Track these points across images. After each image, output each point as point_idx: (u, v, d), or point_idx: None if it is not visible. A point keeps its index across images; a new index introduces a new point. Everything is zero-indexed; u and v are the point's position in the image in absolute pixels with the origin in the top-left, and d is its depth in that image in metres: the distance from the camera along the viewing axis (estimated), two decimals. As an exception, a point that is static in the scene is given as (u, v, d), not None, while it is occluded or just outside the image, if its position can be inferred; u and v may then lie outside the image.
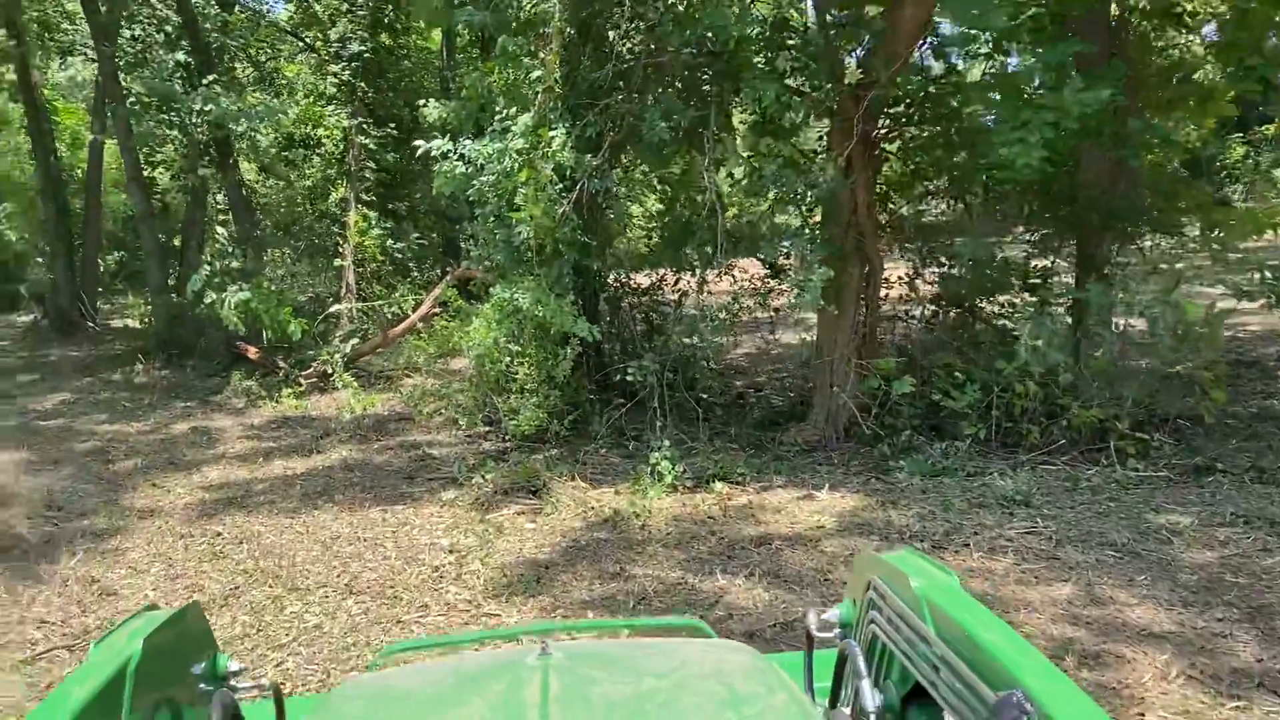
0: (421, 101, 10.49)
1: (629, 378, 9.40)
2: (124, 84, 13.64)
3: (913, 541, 6.84)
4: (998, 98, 8.55)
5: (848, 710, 2.13)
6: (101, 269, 20.80)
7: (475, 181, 9.53)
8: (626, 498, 7.99)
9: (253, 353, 12.96)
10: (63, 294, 18.18)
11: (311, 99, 16.57)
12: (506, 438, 9.57)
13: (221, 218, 14.63)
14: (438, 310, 13.10)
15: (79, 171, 20.00)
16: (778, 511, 7.64)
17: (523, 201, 8.89)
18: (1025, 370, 8.50)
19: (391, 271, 17.27)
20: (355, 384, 12.09)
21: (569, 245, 9.21)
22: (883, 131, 9.73)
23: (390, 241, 17.26)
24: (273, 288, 12.11)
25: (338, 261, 16.73)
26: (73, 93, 30.05)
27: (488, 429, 10.09)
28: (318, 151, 16.81)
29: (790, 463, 8.96)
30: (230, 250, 12.55)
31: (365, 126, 16.92)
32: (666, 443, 8.45)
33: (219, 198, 15.05)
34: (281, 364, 12.55)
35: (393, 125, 17.01)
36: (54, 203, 17.95)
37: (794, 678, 2.03)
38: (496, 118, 9.44)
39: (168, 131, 14.08)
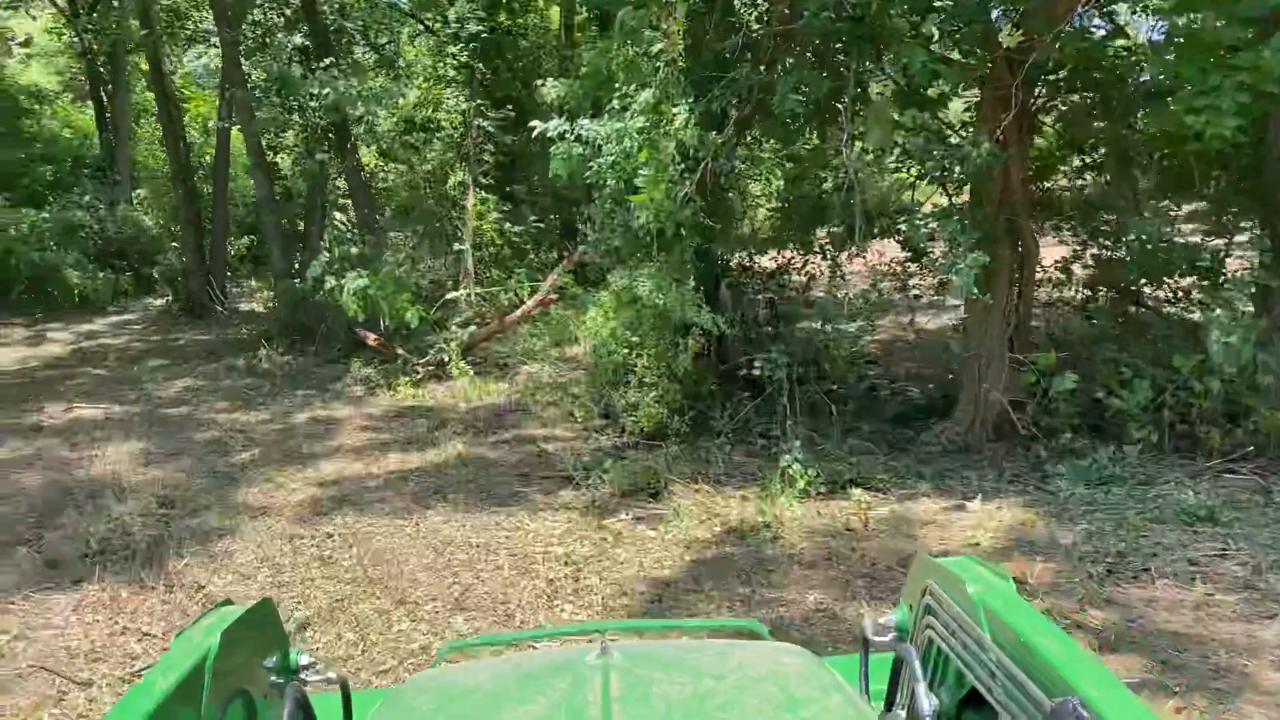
0: (539, 81, 9.98)
1: (756, 372, 8.74)
2: (245, 70, 13.57)
3: (1083, 564, 6.03)
4: (1175, 59, 7.53)
5: (903, 714, 2.13)
6: (231, 253, 21.14)
7: (593, 163, 8.98)
8: (754, 504, 7.36)
9: (372, 339, 12.76)
10: (193, 278, 18.48)
11: (430, 82, 16.29)
12: (624, 434, 9.03)
13: (342, 203, 14.51)
14: (554, 297, 12.65)
15: (208, 158, 20.32)
16: (925, 524, 6.89)
17: (642, 183, 8.29)
18: (1206, 367, 7.50)
19: (509, 256, 16.94)
20: (471, 372, 11.74)
21: (691, 229, 8.58)
22: (1040, 100, 8.78)
23: (508, 225, 16.93)
24: (393, 274, 11.84)
25: (456, 246, 16.49)
26: (205, 80, 30.82)
27: (604, 422, 9.56)
28: (437, 135, 16.54)
29: (934, 465, 8.17)
30: (349, 236, 12.33)
31: (483, 109, 16.58)
32: (798, 443, 7.77)
33: (339, 183, 14.93)
34: (399, 351, 12.30)
35: (511, 107, 16.62)
36: (184, 188, 18.23)
37: (849, 681, 2.07)
38: (615, 96, 8.85)
39: (288, 117, 13.99)
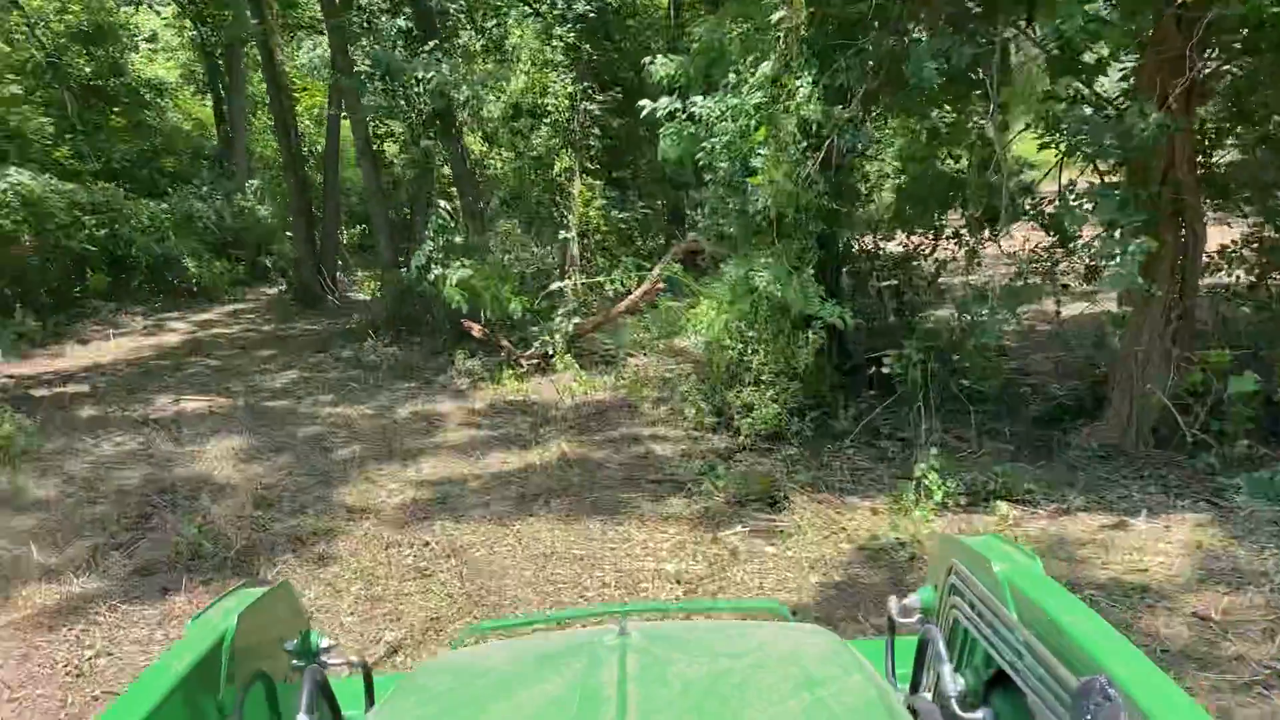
0: (648, 58, 9.37)
1: (885, 369, 7.98)
2: (352, 56, 13.30)
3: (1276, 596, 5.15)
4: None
5: (929, 695, 2.05)
6: (343, 242, 21.18)
7: (705, 143, 8.35)
8: (886, 517, 6.63)
9: (476, 330, 12.39)
10: (305, 268, 18.51)
11: (537, 65, 15.85)
12: (738, 436, 8.38)
13: (447, 191, 14.19)
14: (662, 286, 12.04)
15: (320, 147, 20.34)
16: (1083, 545, 6.07)
17: (761, 164, 7.61)
18: None
19: (615, 244, 16.42)
20: (576, 365, 11.24)
21: (814, 213, 7.86)
22: (1210, 65, 7.74)
23: (614, 212, 16.40)
24: (497, 263, 11.42)
25: (561, 234, 16.03)
26: (317, 72, 31.18)
27: (715, 422, 8.92)
28: (544, 120, 16.10)
29: (1086, 475, 7.29)
30: (453, 224, 11.95)
31: (590, 91, 16.06)
32: (934, 450, 6.99)
33: (445, 171, 14.58)
34: (504, 342, 11.89)
35: (618, 89, 16.07)
36: (295, 178, 18.25)
37: (876, 663, 2.10)
38: (731, 70, 8.17)
39: (393, 103, 13.69)
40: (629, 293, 12.59)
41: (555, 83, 16.16)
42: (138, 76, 23.21)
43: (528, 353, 11.81)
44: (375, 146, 14.72)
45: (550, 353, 11.59)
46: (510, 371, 11.43)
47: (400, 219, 15.04)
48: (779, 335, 8.12)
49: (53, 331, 16.19)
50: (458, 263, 11.32)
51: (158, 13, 29.21)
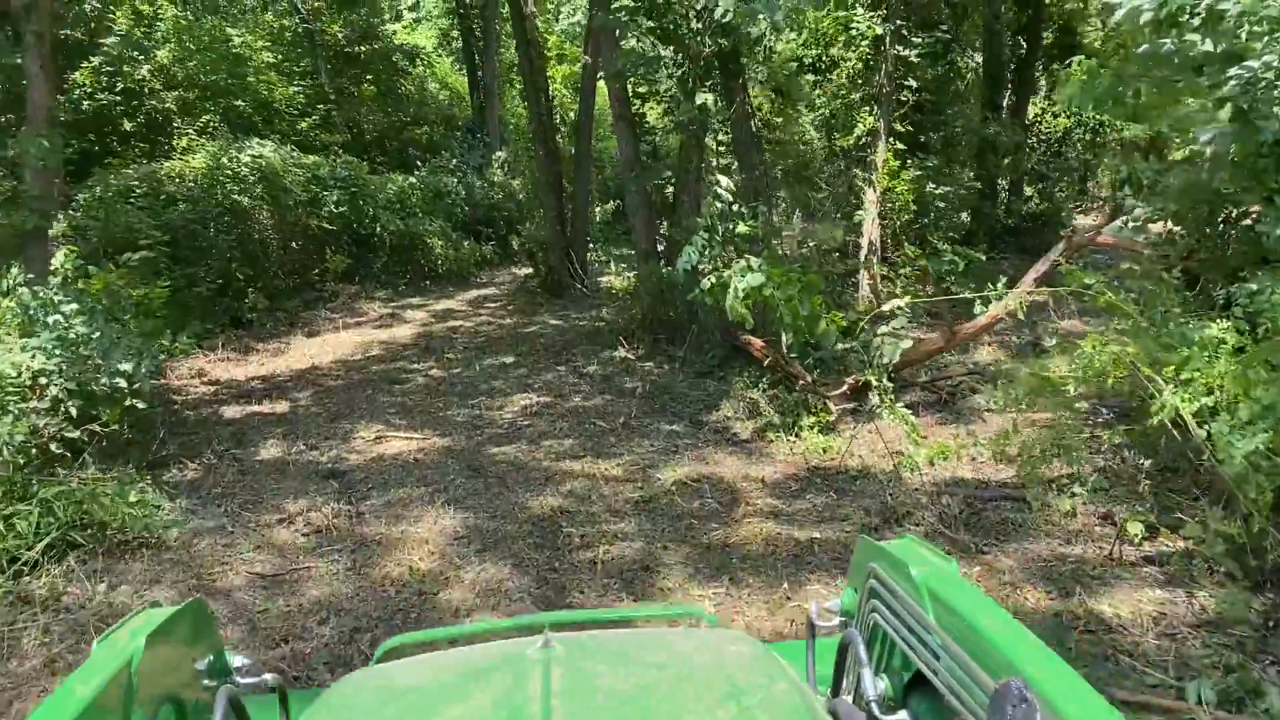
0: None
1: None
2: (611, -11, 10.05)
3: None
4: None
5: (849, 698, 2.01)
6: (597, 219, 18.31)
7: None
8: None
9: (758, 349, 8.93)
10: (553, 250, 15.70)
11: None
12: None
13: (724, 163, 10.78)
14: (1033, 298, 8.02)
15: (573, 113, 17.44)
16: None
17: None
18: None
19: (930, 230, 12.42)
20: (907, 414, 7.46)
21: None
22: None
23: (930, 186, 12.39)
24: (801, 270, 7.86)
25: (859, 214, 12.22)
26: (573, 40, 28.55)
27: (1237, 568, 4.94)
28: (840, 70, 12.31)
29: None
30: (735, 208, 8.47)
31: (904, 32, 12.09)
32: None
33: (721, 138, 11.10)
34: (795, 369, 8.32)
35: (945, 28, 12.05)
36: (544, 149, 15.39)
37: (796, 666, 2.03)
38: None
39: (659, 50, 10.35)
40: (979, 302, 8.69)
41: (858, 21, 12.30)
42: (390, 42, 21.20)
43: (835, 390, 8.17)
44: (635, 110, 11.45)
45: (869, 385, 7.90)
46: (813, 418, 7.85)
47: (661, 198, 11.71)
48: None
49: (284, 320, 14.18)
50: (743, 264, 7.83)
51: (420, -20, 27.40)
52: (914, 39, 12.06)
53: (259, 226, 15.15)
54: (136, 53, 16.30)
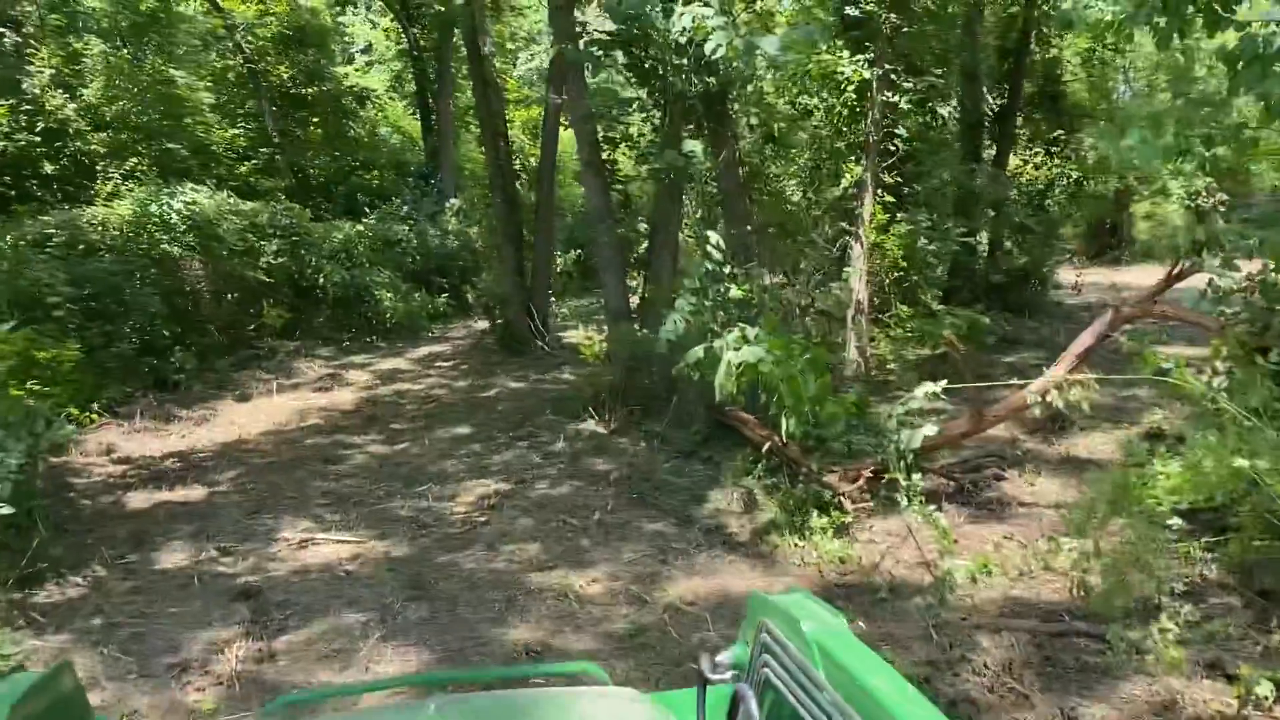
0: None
1: None
2: (579, 21, 8.81)
3: None
4: None
5: None
6: (559, 269, 17.00)
7: None
8: None
9: (752, 427, 7.67)
10: (511, 304, 14.36)
11: (821, 39, 10.98)
12: None
13: (705, 213, 9.52)
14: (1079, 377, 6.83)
15: (534, 160, 16.21)
16: None
17: None
18: None
19: (920, 288, 11.33)
20: (941, 520, 6.19)
21: None
22: None
23: (923, 242, 11.33)
24: (802, 343, 6.64)
25: (846, 271, 11.09)
26: (536, 85, 27.45)
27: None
28: (825, 117, 11.22)
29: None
30: (725, 270, 7.24)
31: (894, 76, 11.08)
32: None
33: (707, 187, 9.86)
34: (804, 462, 7.03)
35: (936, 72, 11.06)
36: (503, 195, 14.13)
37: (688, 718, 2.09)
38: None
39: (632, 88, 9.18)
40: (1000, 382, 7.54)
41: (844, 65, 11.27)
42: (339, 84, 19.88)
43: (844, 481, 6.89)
44: (605, 156, 10.23)
45: (889, 475, 6.64)
46: (824, 517, 6.55)
47: (634, 250, 10.44)
48: None
49: (214, 382, 12.64)
50: (736, 334, 6.59)
51: (373, 23, 26.22)
52: (904, 84, 11.05)
53: (190, 278, 13.63)
54: (61, 90, 14.80)
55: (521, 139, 20.81)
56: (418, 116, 22.33)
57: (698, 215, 9.60)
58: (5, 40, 13.92)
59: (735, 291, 7.22)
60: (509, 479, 8.09)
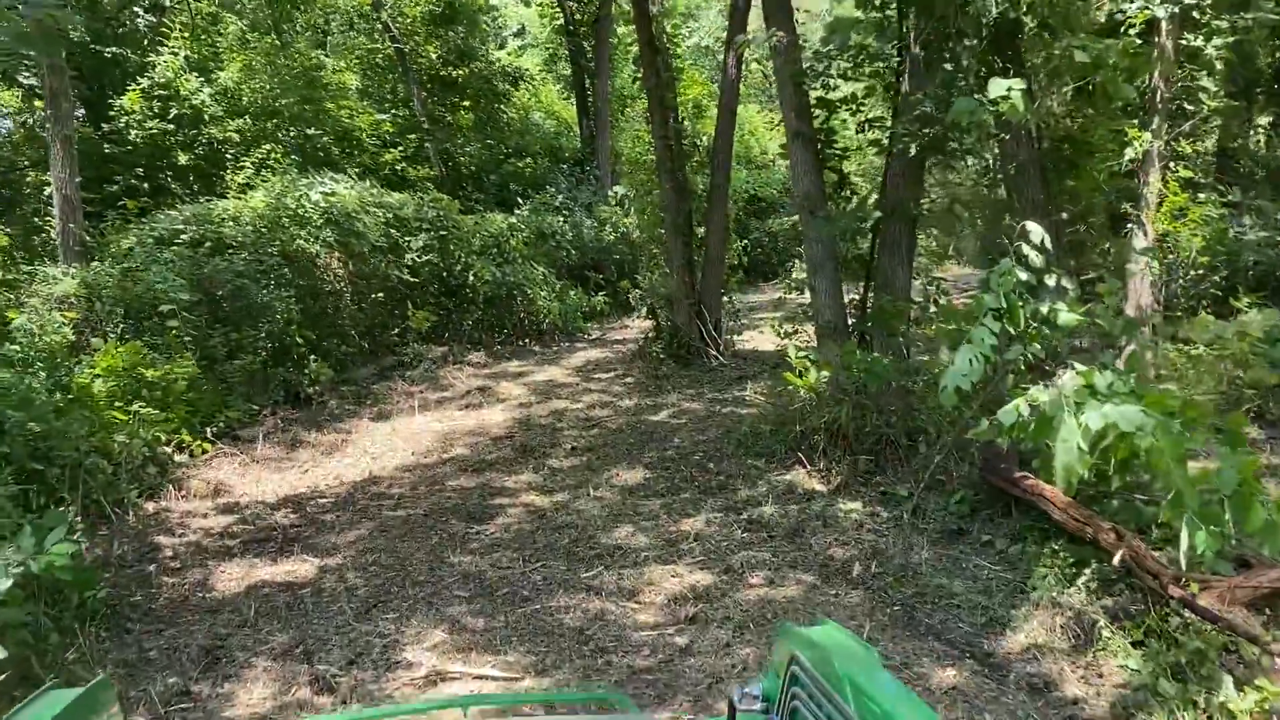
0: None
1: None
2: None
3: None
4: None
5: None
6: (737, 263, 14.63)
7: None
8: None
9: (1053, 499, 5.10)
10: (679, 307, 12.07)
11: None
12: None
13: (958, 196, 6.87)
14: None
15: (704, 140, 13.82)
16: None
17: None
18: None
19: (1237, 293, 8.33)
20: None
21: None
22: None
23: (1233, 232, 8.36)
24: (1175, 395, 4.04)
25: (1130, 268, 8.22)
26: (699, 62, 25.02)
27: None
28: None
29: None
30: (1044, 278, 4.69)
31: (1195, 14, 8.14)
32: None
33: (983, 156, 7.21)
34: (1175, 584, 4.43)
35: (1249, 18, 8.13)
36: (671, 180, 11.81)
37: None
38: None
39: (863, 40, 6.67)
40: None
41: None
42: (490, 62, 17.97)
43: (1240, 608, 4.25)
44: (818, 121, 7.70)
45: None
46: (1250, 695, 3.94)
47: (847, 252, 7.83)
48: None
49: (350, 397, 10.88)
50: (1078, 381, 4.04)
51: (527, 3, 24.31)
52: (1212, 21, 8.09)
53: (327, 278, 11.92)
54: (196, 74, 13.38)
55: (685, 116, 18.46)
56: (572, 102, 20.33)
57: (946, 201, 6.99)
58: (139, 21, 12.54)
59: (1066, 315, 4.65)
60: (708, 564, 5.75)
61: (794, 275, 11.35)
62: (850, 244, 7.45)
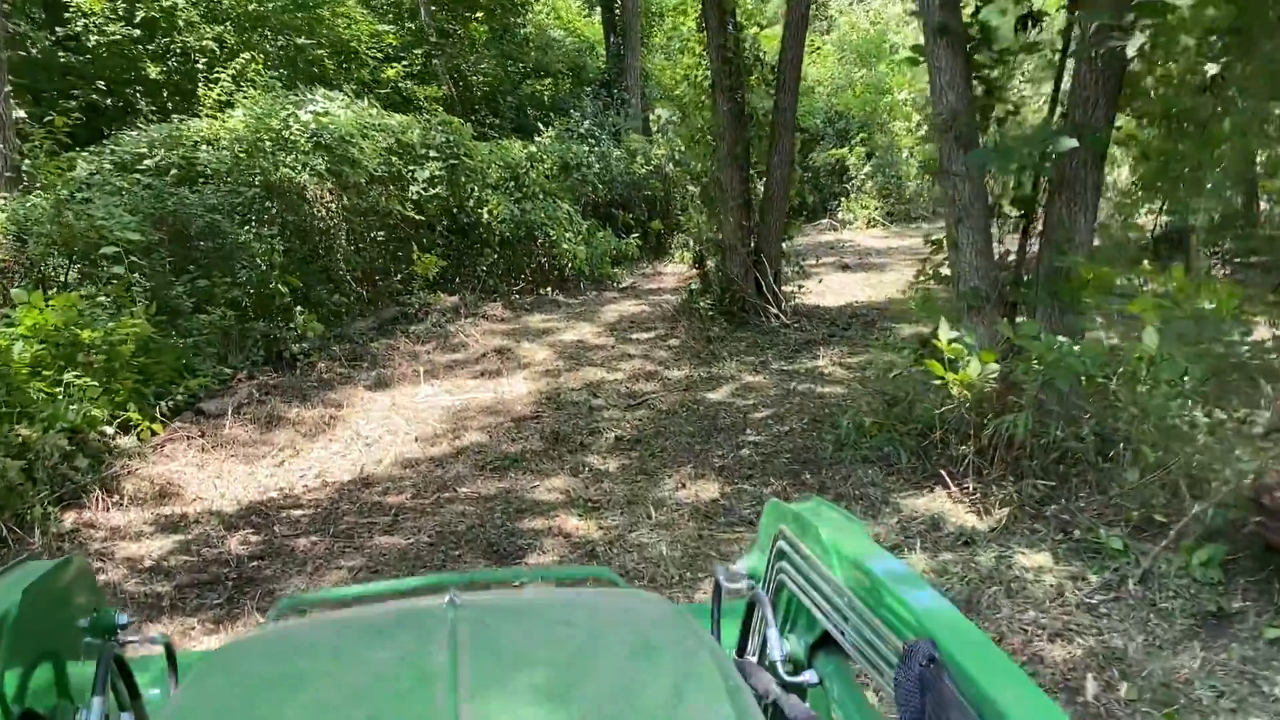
0: None
1: None
2: None
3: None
4: None
5: (754, 658, 1.89)
6: (799, 202, 12.52)
7: None
8: None
9: None
10: (734, 256, 9.99)
11: None
12: None
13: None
14: None
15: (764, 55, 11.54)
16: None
17: None
18: None
19: None
20: None
21: None
22: None
23: None
24: None
25: None
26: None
27: None
28: None
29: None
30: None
31: None
32: None
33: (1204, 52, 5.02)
34: None
35: None
36: (730, 104, 9.63)
37: (703, 627, 1.83)
38: None
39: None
40: None
41: None
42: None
43: None
44: (967, 12, 5.52)
45: None
46: None
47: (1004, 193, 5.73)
48: None
49: (344, 356, 8.92)
50: None
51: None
52: None
53: (318, 214, 9.85)
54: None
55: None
56: (594, 18, 17.90)
57: (1146, 128, 4.90)
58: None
59: None
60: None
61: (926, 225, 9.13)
62: (1016, 182, 5.34)
